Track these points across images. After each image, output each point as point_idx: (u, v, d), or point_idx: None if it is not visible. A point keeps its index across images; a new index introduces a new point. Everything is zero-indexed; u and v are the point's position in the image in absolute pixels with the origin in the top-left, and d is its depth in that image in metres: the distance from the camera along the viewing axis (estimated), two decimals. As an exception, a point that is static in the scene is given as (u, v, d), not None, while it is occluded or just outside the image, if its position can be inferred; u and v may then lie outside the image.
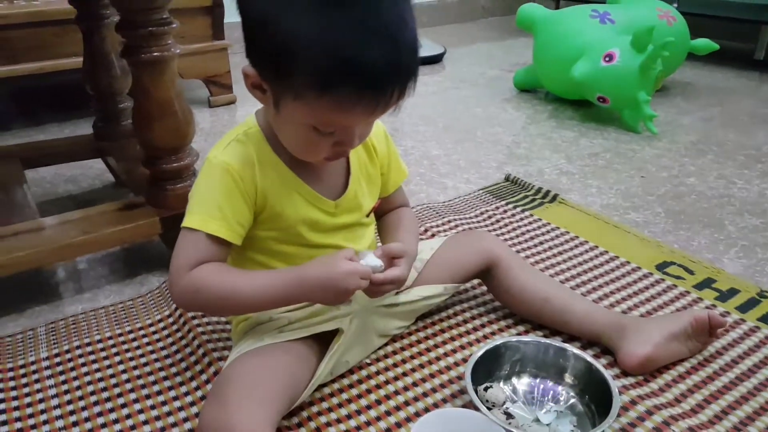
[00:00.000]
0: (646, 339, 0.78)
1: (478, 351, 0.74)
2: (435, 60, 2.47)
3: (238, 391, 0.64)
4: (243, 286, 0.67)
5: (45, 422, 0.73)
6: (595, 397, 0.72)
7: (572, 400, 0.74)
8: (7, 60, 1.58)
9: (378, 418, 0.73)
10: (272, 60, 0.60)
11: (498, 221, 1.20)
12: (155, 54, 0.92)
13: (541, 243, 1.12)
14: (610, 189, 1.36)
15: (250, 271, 0.72)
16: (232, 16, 2.12)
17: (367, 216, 0.81)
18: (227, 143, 0.70)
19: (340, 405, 0.75)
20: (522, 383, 0.76)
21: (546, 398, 0.75)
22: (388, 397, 0.76)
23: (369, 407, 0.75)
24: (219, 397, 0.64)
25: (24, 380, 0.80)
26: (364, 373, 0.80)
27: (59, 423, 0.73)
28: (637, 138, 1.66)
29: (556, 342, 0.79)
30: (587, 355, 0.75)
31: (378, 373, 0.80)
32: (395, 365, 0.82)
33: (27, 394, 0.78)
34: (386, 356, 0.83)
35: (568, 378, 0.76)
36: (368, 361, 0.82)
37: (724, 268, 1.04)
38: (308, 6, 0.57)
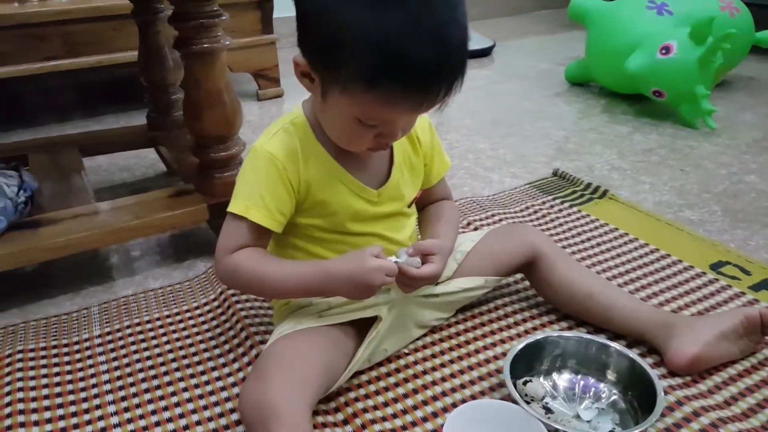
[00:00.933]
0: (694, 338, 0.75)
1: (518, 344, 0.73)
2: (484, 53, 2.43)
3: (277, 369, 0.65)
4: (275, 274, 0.70)
5: (96, 396, 0.77)
6: (639, 396, 0.70)
7: (614, 398, 0.72)
8: (69, 53, 1.65)
9: (415, 407, 0.73)
10: (323, 51, 0.61)
11: (544, 216, 1.18)
12: (206, 45, 0.94)
13: (588, 239, 1.09)
14: (663, 186, 1.31)
15: (284, 260, 0.74)
16: (281, 10, 2.14)
17: (409, 206, 0.81)
18: (273, 132, 0.72)
19: (377, 392, 0.75)
20: (563, 379, 0.75)
21: (587, 395, 0.73)
22: (425, 387, 0.76)
23: (406, 396, 0.75)
24: (259, 374, 0.66)
25: (78, 356, 0.84)
26: (402, 362, 0.80)
27: (109, 397, 0.76)
28: (694, 134, 1.60)
29: (598, 338, 0.77)
30: (631, 352, 0.73)
31: (416, 363, 0.80)
32: (433, 356, 0.81)
33: (80, 369, 0.81)
34: (425, 347, 0.83)
35: (611, 375, 0.74)
36: (406, 350, 0.82)
37: (783, 269, 0.99)
38: (363, 0, 0.57)
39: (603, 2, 1.90)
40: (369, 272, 0.66)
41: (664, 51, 1.58)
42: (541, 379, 0.74)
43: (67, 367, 0.82)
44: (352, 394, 0.75)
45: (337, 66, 0.60)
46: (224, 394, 0.76)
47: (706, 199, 1.25)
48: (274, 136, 0.71)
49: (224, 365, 0.81)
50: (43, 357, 0.83)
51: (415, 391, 0.75)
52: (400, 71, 0.58)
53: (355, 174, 0.73)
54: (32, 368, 0.81)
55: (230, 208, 0.71)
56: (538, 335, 0.76)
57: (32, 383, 0.78)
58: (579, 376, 0.75)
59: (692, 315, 0.88)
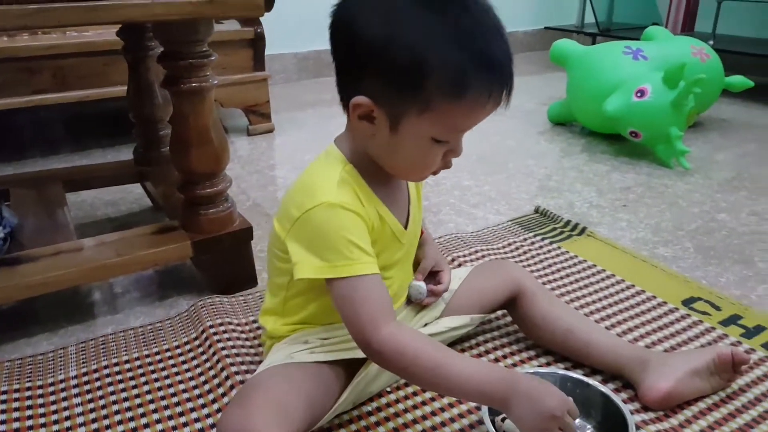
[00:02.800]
0: (668, 374, 0.77)
1: (497, 382, 0.74)
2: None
3: (260, 398, 0.65)
4: (452, 366, 0.64)
5: (72, 437, 0.76)
6: (612, 430, 0.70)
7: (588, 431, 0.73)
8: (59, 87, 1.67)
9: (394, 446, 0.73)
10: (399, 79, 0.61)
11: (525, 252, 1.20)
12: (194, 84, 0.96)
13: (567, 275, 1.11)
14: (640, 223, 1.35)
15: (457, 354, 0.68)
16: (272, 48, 2.18)
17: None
18: (335, 184, 0.67)
19: None
20: (540, 415, 0.76)
21: (564, 431, 0.74)
22: (406, 426, 0.76)
23: (387, 435, 0.75)
24: (242, 401, 0.66)
25: (52, 398, 0.82)
26: (383, 400, 0.80)
27: (85, 439, 0.75)
28: (669, 173, 1.64)
29: (574, 374, 0.78)
30: (604, 388, 0.74)
31: (398, 401, 0.80)
32: (415, 393, 0.82)
33: (54, 412, 0.80)
34: (407, 384, 0.83)
35: (585, 410, 0.75)
36: (388, 389, 0.83)
37: (752, 305, 1.02)
38: (426, 17, 0.59)
39: (582, 46, 1.97)
40: (556, 407, 0.62)
41: (639, 94, 1.64)
42: (519, 416, 0.75)
43: (41, 410, 0.80)
44: (334, 433, 0.75)
45: (418, 87, 0.61)
46: (202, 433, 0.76)
47: (680, 237, 1.28)
48: (338, 189, 0.67)
49: (203, 406, 0.81)
50: (16, 399, 0.82)
51: (396, 430, 0.76)
52: (487, 70, 0.61)
53: (394, 214, 0.73)
54: (3, 411, 0.79)
55: (331, 275, 0.65)
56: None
57: (3, 428, 0.77)
58: (556, 413, 0.76)
59: (665, 350, 0.89)
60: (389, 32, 0.60)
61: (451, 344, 0.90)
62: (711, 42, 2.31)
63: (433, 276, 0.86)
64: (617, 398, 0.72)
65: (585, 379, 0.76)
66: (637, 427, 0.73)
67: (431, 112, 0.62)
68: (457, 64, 0.60)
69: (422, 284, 0.82)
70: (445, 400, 0.80)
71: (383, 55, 0.61)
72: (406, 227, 0.76)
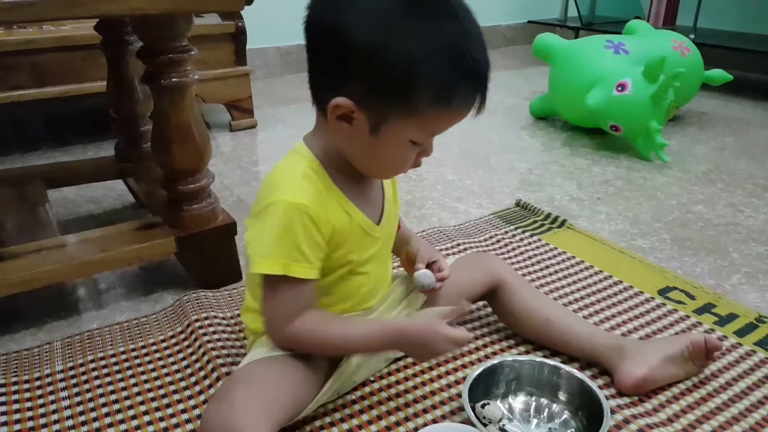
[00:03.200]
0: (642, 360, 0.79)
1: (476, 369, 0.76)
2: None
3: (243, 391, 0.66)
4: (348, 340, 0.73)
5: None
6: (589, 415, 0.73)
7: (565, 417, 0.75)
8: (36, 83, 1.64)
9: (378, 434, 0.75)
10: (388, 85, 0.62)
11: (506, 245, 1.22)
12: (174, 80, 0.96)
13: (546, 267, 1.14)
14: (618, 215, 1.37)
15: (348, 321, 0.75)
16: (254, 42, 2.17)
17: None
18: (298, 181, 0.68)
19: (342, 420, 0.77)
20: (518, 401, 0.78)
21: (541, 416, 0.76)
22: (389, 413, 0.78)
23: (370, 422, 0.76)
24: (224, 395, 0.66)
25: (39, 392, 0.83)
26: (367, 389, 0.82)
27: (71, 432, 0.76)
28: (648, 166, 1.67)
29: (551, 361, 0.80)
30: (580, 374, 0.77)
31: (381, 389, 0.82)
32: (398, 382, 0.83)
33: (41, 405, 0.81)
34: (390, 373, 0.85)
35: (562, 396, 0.77)
36: (372, 378, 0.84)
37: (725, 294, 1.05)
38: (417, 25, 0.60)
39: (565, 41, 1.99)
40: (440, 341, 0.70)
41: (620, 88, 1.67)
42: (498, 401, 0.77)
43: (28, 404, 0.81)
44: (317, 423, 0.76)
45: (406, 95, 0.62)
46: (189, 427, 0.77)
47: (657, 228, 1.31)
48: (298, 186, 0.68)
49: (190, 398, 0.82)
50: (2, 394, 0.82)
51: (380, 417, 0.77)
52: (473, 80, 0.63)
53: (364, 212, 0.74)
54: (-8, 405, 0.80)
55: (265, 270, 0.68)
56: (495, 360, 0.79)
57: (-9, 421, 0.77)
58: (533, 398, 0.78)
59: (641, 338, 0.92)
60: (380, 39, 0.60)
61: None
62: (692, 36, 2.35)
63: (429, 267, 0.85)
64: (593, 384, 0.75)
65: (562, 366, 0.78)
66: (613, 412, 0.76)
67: (416, 118, 0.64)
68: (446, 76, 0.62)
69: (428, 271, 0.81)
70: (427, 388, 0.82)
71: (373, 61, 0.61)
72: (379, 223, 0.77)
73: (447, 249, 1.19)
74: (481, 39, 0.64)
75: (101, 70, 1.34)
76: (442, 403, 0.80)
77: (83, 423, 0.77)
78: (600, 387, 0.77)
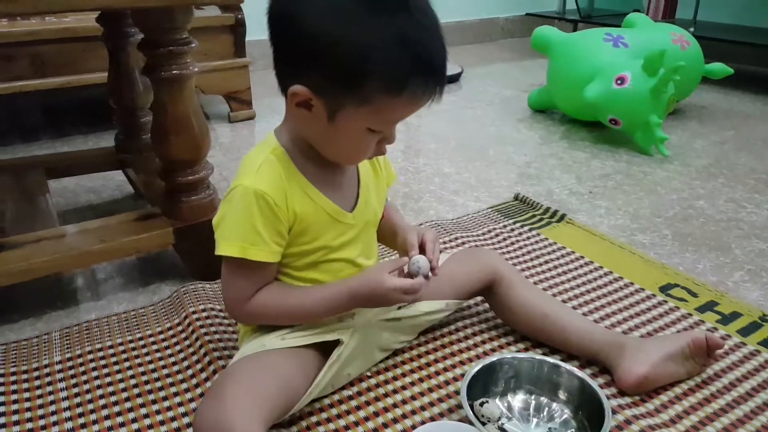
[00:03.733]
0: (643, 359, 0.79)
1: (475, 367, 0.76)
2: (452, 80, 2.49)
3: (235, 388, 0.66)
4: (303, 305, 0.75)
5: (55, 423, 0.76)
6: (589, 415, 0.73)
7: (566, 416, 0.75)
8: (37, 74, 1.64)
9: (375, 430, 0.75)
10: (341, 75, 0.64)
11: (504, 239, 1.22)
12: (174, 72, 0.96)
13: (546, 262, 1.13)
14: (618, 210, 1.37)
15: (304, 288, 0.77)
16: (253, 34, 2.16)
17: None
18: (257, 168, 0.70)
19: (338, 416, 0.77)
20: (517, 399, 0.78)
21: (541, 415, 0.76)
22: (386, 410, 0.78)
23: (367, 419, 0.76)
24: (216, 392, 0.67)
25: (37, 382, 0.83)
26: (363, 385, 0.82)
27: (68, 425, 0.76)
28: (648, 160, 1.67)
29: (551, 359, 0.80)
30: (581, 372, 0.76)
31: (378, 385, 0.82)
32: (395, 378, 0.83)
33: (39, 396, 0.81)
34: (386, 369, 0.85)
35: (562, 395, 0.77)
36: (368, 373, 0.84)
37: (728, 292, 1.04)
38: (370, 18, 0.62)
39: (564, 33, 1.98)
40: (388, 293, 0.72)
41: (619, 81, 1.66)
42: (497, 400, 0.77)
43: (26, 394, 0.81)
44: (314, 418, 0.76)
45: (358, 84, 0.64)
46: (186, 420, 0.77)
47: (658, 223, 1.31)
48: (258, 172, 0.70)
49: (186, 390, 0.82)
50: (1, 384, 0.82)
51: (376, 414, 0.77)
52: (426, 68, 0.65)
53: (333, 198, 0.75)
54: (-10, 395, 0.80)
55: (224, 252, 0.70)
56: (494, 357, 0.79)
57: (-11, 410, 0.77)
58: (533, 397, 0.78)
59: (641, 336, 0.91)
60: (334, 31, 0.62)
61: (428, 329, 0.92)
62: (692, 29, 2.34)
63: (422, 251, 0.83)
64: (594, 383, 0.74)
65: (562, 364, 0.78)
66: (614, 412, 0.75)
67: (369, 106, 0.66)
68: (397, 65, 0.63)
69: (422, 257, 0.77)
70: (425, 385, 0.82)
71: (327, 52, 0.63)
72: (353, 209, 0.78)
73: (445, 243, 1.18)
74: (437, 31, 0.65)
75: (102, 62, 1.34)
76: (440, 400, 0.79)
77: (81, 414, 0.77)
78: (600, 386, 0.77)
